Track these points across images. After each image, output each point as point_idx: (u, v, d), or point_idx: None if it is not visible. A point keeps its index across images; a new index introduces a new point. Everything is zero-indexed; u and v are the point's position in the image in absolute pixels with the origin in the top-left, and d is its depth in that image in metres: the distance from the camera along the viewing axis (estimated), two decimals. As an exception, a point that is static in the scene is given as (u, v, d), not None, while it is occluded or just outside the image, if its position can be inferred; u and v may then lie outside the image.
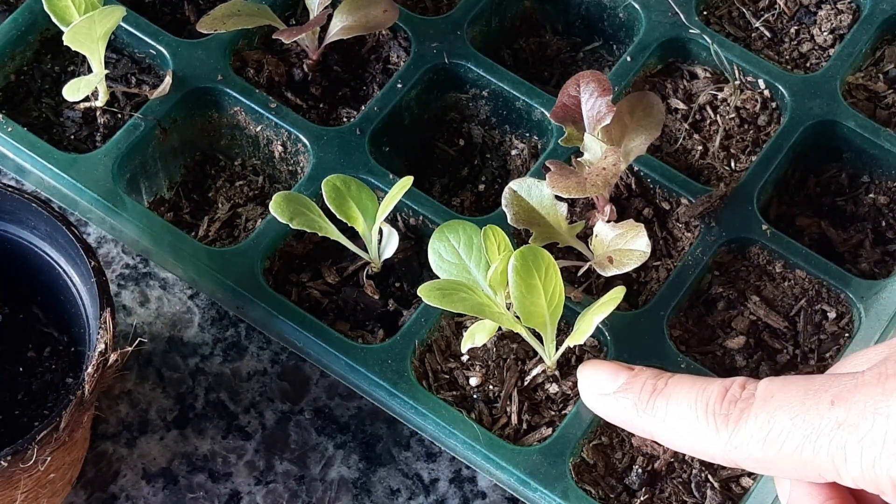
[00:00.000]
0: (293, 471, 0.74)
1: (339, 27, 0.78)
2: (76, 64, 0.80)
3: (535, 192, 0.72)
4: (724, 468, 0.69)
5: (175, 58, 0.79)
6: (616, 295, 0.66)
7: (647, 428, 0.63)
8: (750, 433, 0.58)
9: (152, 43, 0.79)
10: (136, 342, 0.68)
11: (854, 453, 0.55)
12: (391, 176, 0.75)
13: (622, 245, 0.70)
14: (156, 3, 0.83)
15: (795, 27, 0.83)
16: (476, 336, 0.69)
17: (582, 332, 0.67)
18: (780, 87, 0.79)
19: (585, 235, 0.73)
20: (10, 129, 0.76)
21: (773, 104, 0.79)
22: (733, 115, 0.79)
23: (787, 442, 0.57)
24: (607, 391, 0.64)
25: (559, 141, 0.73)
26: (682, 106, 0.80)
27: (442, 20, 0.81)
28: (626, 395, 0.63)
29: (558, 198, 0.72)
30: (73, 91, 0.74)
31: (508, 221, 0.72)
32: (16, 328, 0.75)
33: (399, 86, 0.78)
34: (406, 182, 0.71)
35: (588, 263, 0.72)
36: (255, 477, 0.74)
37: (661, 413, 0.62)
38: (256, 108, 0.77)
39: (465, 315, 0.72)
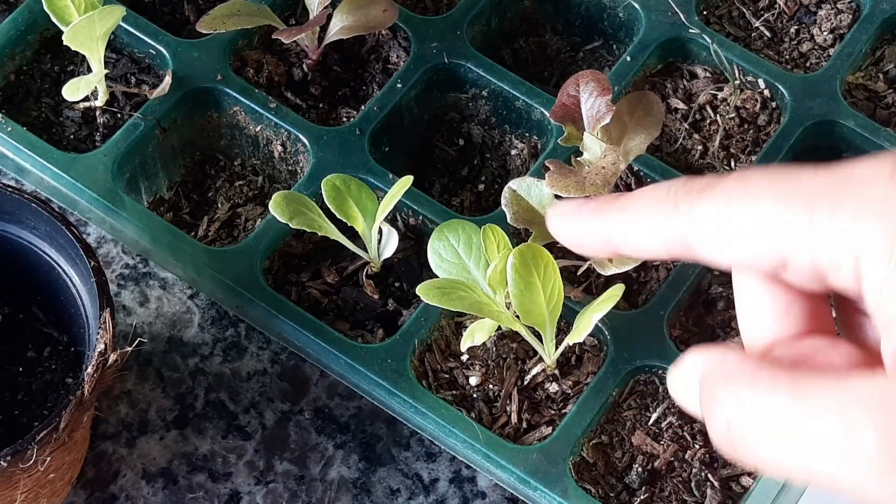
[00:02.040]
0: (293, 471, 0.74)
1: (338, 27, 0.78)
2: (76, 64, 0.80)
3: (534, 191, 0.72)
4: (724, 467, 0.69)
5: (175, 58, 0.79)
6: (615, 293, 0.66)
7: (602, 228, 0.53)
8: (715, 197, 0.49)
9: (152, 43, 0.79)
10: (136, 342, 0.68)
11: (822, 216, 0.46)
12: (391, 176, 0.75)
13: None
14: (156, 2, 0.83)
15: (795, 27, 0.83)
16: (476, 335, 0.69)
17: (581, 331, 0.67)
18: (780, 87, 0.79)
19: (585, 235, 0.73)
20: (9, 129, 0.76)
21: (773, 104, 0.79)
22: (733, 115, 0.79)
23: (754, 203, 0.48)
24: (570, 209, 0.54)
25: (559, 140, 0.73)
26: (681, 106, 0.80)
27: (442, 20, 0.81)
28: (589, 202, 0.53)
29: (558, 197, 0.72)
30: (73, 91, 0.74)
31: (508, 221, 0.72)
32: (16, 328, 0.75)
33: (399, 86, 0.78)
34: (406, 182, 0.71)
35: (587, 263, 0.72)
36: (255, 477, 0.74)
37: (619, 204, 0.52)
38: (256, 107, 0.77)
39: (465, 314, 0.72)
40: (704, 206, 0.50)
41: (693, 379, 0.49)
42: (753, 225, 0.48)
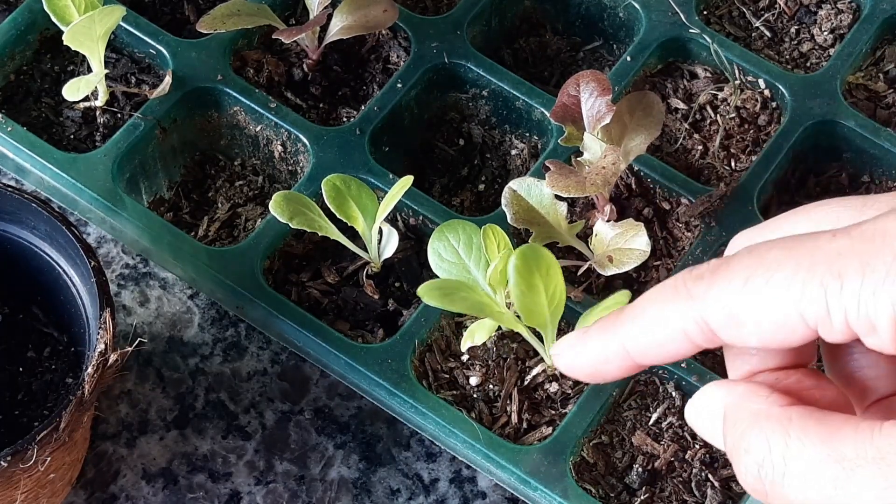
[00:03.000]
0: (293, 471, 0.74)
1: (338, 27, 0.78)
2: (76, 63, 0.80)
3: (534, 191, 0.72)
4: (724, 467, 0.69)
5: (175, 58, 0.79)
6: (620, 299, 0.66)
7: (616, 346, 0.52)
8: (730, 277, 0.48)
9: (152, 43, 0.79)
10: (136, 342, 0.68)
11: (854, 279, 0.46)
12: (391, 176, 0.75)
13: (622, 244, 0.70)
14: (156, 2, 0.83)
15: (795, 27, 0.83)
16: (476, 335, 0.69)
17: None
18: (781, 87, 0.79)
19: (585, 235, 0.73)
20: (9, 129, 0.76)
21: (774, 104, 0.79)
22: (733, 115, 0.79)
23: (775, 275, 0.47)
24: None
25: (559, 140, 0.73)
26: (682, 106, 0.80)
27: (442, 20, 0.81)
28: (591, 326, 0.53)
29: (558, 197, 0.72)
30: (73, 91, 0.74)
31: (508, 221, 0.72)
32: (16, 328, 0.75)
33: (399, 86, 0.78)
34: (406, 182, 0.71)
35: (588, 263, 0.72)
36: (255, 477, 0.74)
37: (627, 315, 0.52)
38: (256, 107, 0.77)
39: (465, 315, 0.72)
40: (721, 289, 0.49)
41: (714, 412, 0.49)
42: (781, 301, 0.47)
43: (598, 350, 0.53)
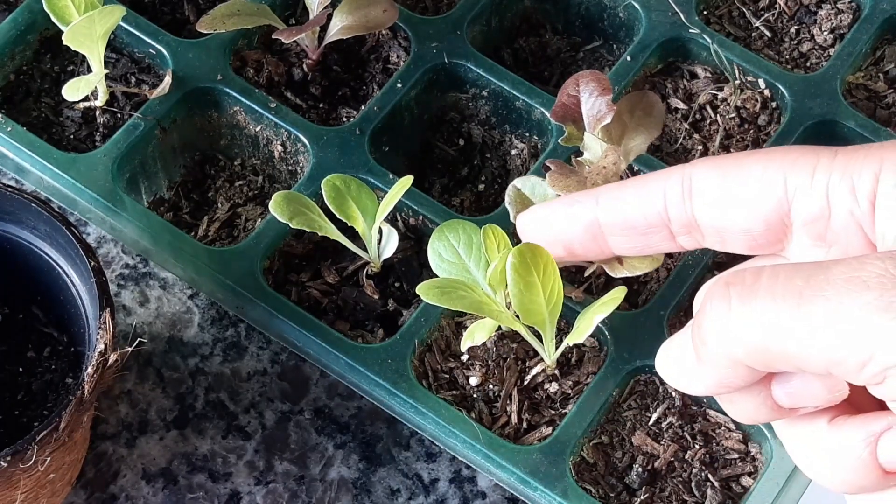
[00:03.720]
0: (293, 471, 0.74)
1: (338, 27, 0.78)
2: (76, 63, 0.80)
3: (538, 190, 0.72)
4: (724, 467, 0.69)
5: (175, 57, 0.78)
6: (617, 295, 0.66)
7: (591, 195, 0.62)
8: (724, 156, 0.54)
9: (152, 43, 0.79)
10: (136, 342, 0.68)
11: (846, 153, 0.53)
12: (391, 176, 0.75)
13: None
14: (156, 2, 0.83)
15: (795, 27, 0.83)
16: (476, 335, 0.69)
17: (581, 331, 0.66)
18: (781, 87, 0.79)
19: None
20: (9, 129, 0.76)
21: (774, 104, 0.79)
22: (733, 115, 0.79)
23: (770, 150, 0.53)
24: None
25: (559, 140, 0.73)
26: (682, 106, 0.80)
27: (442, 20, 0.81)
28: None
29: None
30: (73, 91, 0.74)
31: (511, 219, 0.72)
32: (16, 328, 0.75)
33: (399, 86, 0.78)
34: (406, 182, 0.71)
35: (595, 265, 0.72)
36: (255, 477, 0.74)
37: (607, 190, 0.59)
38: (256, 107, 0.77)
39: (465, 314, 0.72)
40: (714, 158, 0.57)
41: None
42: (769, 163, 0.56)
43: (565, 209, 0.59)
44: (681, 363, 0.56)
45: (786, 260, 0.60)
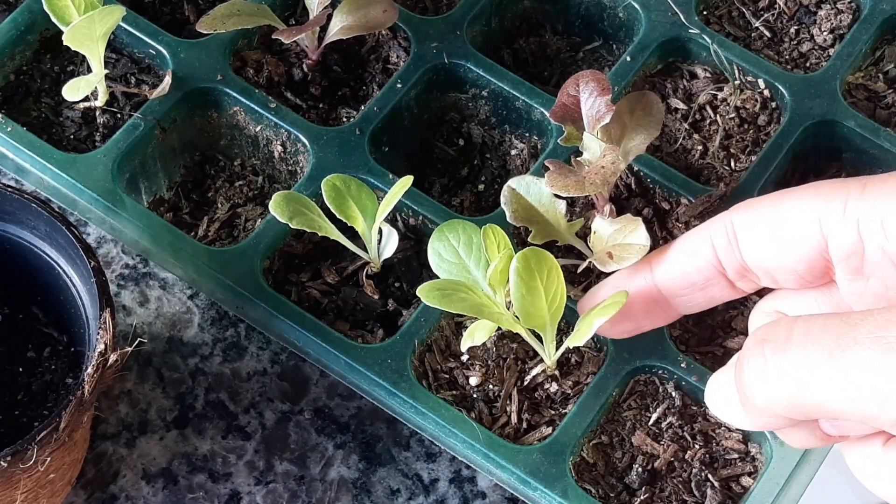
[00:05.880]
0: (293, 471, 0.74)
1: (338, 27, 0.78)
2: (76, 64, 0.80)
3: (533, 189, 0.72)
4: (724, 467, 0.69)
5: (175, 58, 0.79)
6: (618, 299, 0.66)
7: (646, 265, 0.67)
8: (762, 198, 0.60)
9: (152, 43, 0.79)
10: (136, 342, 0.68)
11: (873, 189, 0.56)
12: (391, 176, 0.75)
13: (621, 240, 0.70)
14: (155, 2, 0.83)
15: (795, 27, 0.83)
16: (476, 335, 0.69)
17: (582, 334, 0.66)
18: (780, 87, 0.79)
19: (584, 235, 0.73)
20: (9, 129, 0.76)
21: (773, 104, 0.79)
22: (733, 115, 0.79)
23: (803, 192, 0.57)
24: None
25: (559, 140, 0.73)
26: (681, 106, 0.80)
27: (442, 20, 0.81)
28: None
29: (558, 196, 0.72)
30: (73, 91, 0.74)
31: (507, 219, 0.72)
32: (16, 328, 0.75)
33: (399, 86, 0.78)
34: (406, 182, 0.71)
35: (587, 261, 0.72)
36: (254, 477, 0.74)
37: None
38: (256, 108, 0.77)
39: (465, 314, 0.72)
40: (753, 202, 0.63)
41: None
42: (804, 206, 0.60)
43: (622, 285, 0.65)
44: (728, 404, 0.60)
45: (837, 292, 0.63)
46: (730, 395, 0.60)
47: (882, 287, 0.59)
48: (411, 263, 0.75)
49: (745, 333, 0.72)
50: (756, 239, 0.62)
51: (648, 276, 0.67)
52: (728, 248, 0.64)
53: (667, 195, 0.76)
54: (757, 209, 0.63)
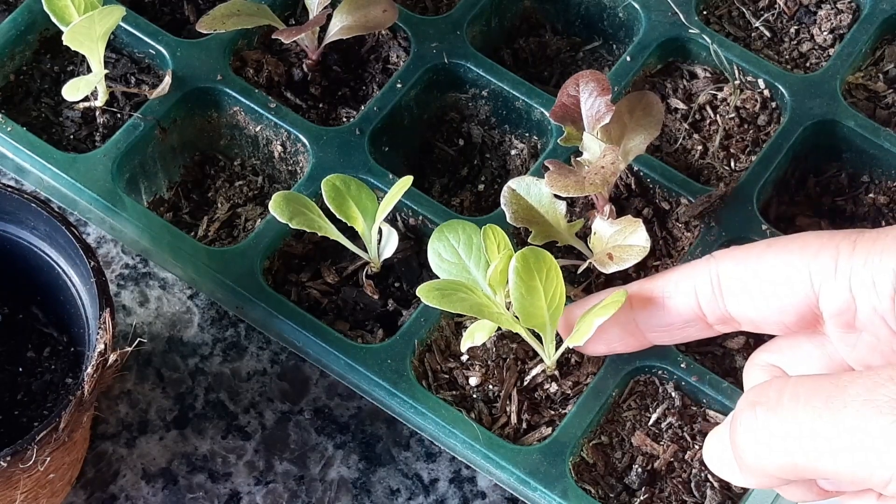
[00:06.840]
0: (293, 471, 0.74)
1: (338, 27, 0.78)
2: (75, 64, 0.80)
3: (533, 190, 0.72)
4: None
5: (174, 58, 0.79)
6: (618, 298, 0.66)
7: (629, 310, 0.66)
8: (750, 246, 0.60)
9: (152, 43, 0.79)
10: (136, 342, 0.68)
11: (864, 245, 0.56)
12: (391, 176, 0.75)
13: (621, 241, 0.70)
14: (155, 2, 0.83)
15: (795, 27, 0.83)
16: (476, 335, 0.69)
17: (582, 334, 0.66)
18: (780, 87, 0.79)
19: (585, 235, 0.73)
20: (9, 129, 0.76)
21: (773, 104, 0.79)
22: (733, 115, 0.79)
23: (792, 242, 0.57)
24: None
25: (558, 140, 0.73)
26: (681, 106, 0.80)
27: (442, 20, 0.81)
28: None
29: (557, 196, 0.72)
30: (73, 91, 0.74)
31: (507, 220, 0.72)
32: (16, 328, 0.75)
33: (399, 86, 0.78)
34: (406, 182, 0.71)
35: (587, 261, 0.72)
36: (254, 477, 0.74)
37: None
38: (256, 107, 0.77)
39: (465, 314, 0.72)
40: (739, 251, 0.62)
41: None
42: (794, 257, 0.59)
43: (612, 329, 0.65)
44: (725, 463, 0.61)
45: (830, 343, 0.63)
46: (726, 454, 0.60)
47: (874, 340, 0.60)
48: (411, 263, 0.75)
49: (746, 333, 0.72)
50: (742, 292, 0.62)
51: (627, 312, 0.67)
52: (712, 299, 0.64)
53: (667, 195, 0.76)
54: (743, 262, 0.62)
